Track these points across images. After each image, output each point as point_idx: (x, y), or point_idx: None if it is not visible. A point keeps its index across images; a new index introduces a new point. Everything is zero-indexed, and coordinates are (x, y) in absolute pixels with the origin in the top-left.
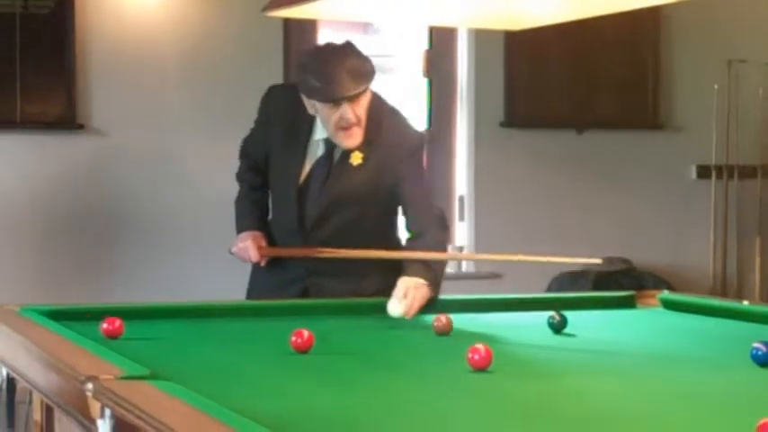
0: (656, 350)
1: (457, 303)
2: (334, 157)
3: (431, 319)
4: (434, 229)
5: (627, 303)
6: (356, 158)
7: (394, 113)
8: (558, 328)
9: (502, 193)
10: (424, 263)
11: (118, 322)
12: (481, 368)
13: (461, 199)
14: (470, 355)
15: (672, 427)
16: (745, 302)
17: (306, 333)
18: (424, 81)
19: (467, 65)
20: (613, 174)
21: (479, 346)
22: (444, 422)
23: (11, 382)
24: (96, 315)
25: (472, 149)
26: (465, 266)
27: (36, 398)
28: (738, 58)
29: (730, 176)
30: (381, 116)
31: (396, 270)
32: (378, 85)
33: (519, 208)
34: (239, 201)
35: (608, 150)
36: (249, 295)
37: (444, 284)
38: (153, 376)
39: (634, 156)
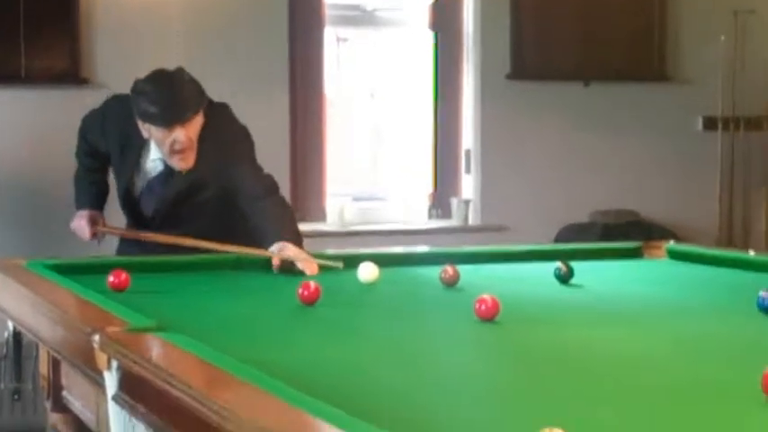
0: (663, 300)
1: (464, 255)
2: (172, 172)
3: (438, 270)
4: (272, 195)
5: (634, 254)
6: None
7: (216, 112)
8: (564, 278)
9: (508, 145)
10: (289, 230)
11: (124, 275)
12: (488, 318)
13: (468, 152)
14: (477, 306)
15: (678, 374)
16: (751, 252)
17: (313, 285)
18: (431, 34)
19: (473, 17)
20: (620, 126)
21: (486, 296)
22: (452, 371)
23: (17, 335)
24: (103, 269)
25: (479, 102)
26: (472, 219)
27: (43, 351)
28: (745, 8)
29: (736, 128)
30: (207, 121)
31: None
32: (384, 39)
33: (525, 160)
34: (78, 179)
35: (614, 102)
36: None
37: (451, 237)
38: (160, 328)
39: (640, 107)
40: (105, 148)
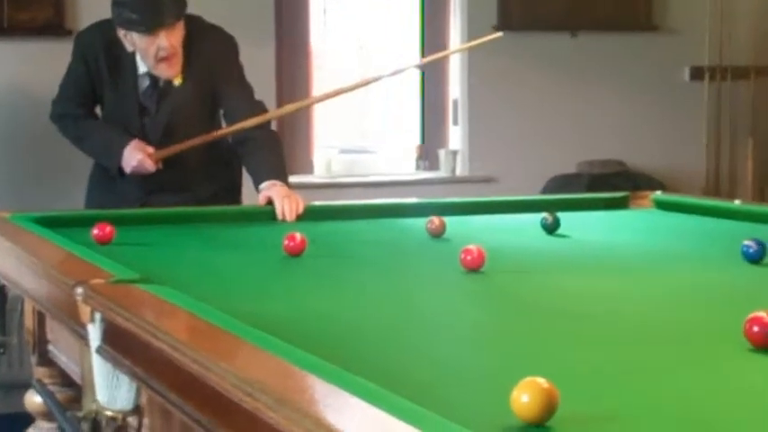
0: (649, 249)
1: (450, 206)
2: (159, 86)
3: (424, 221)
4: (263, 130)
5: (620, 204)
6: (178, 80)
7: (200, 24)
8: (551, 228)
9: (495, 96)
10: (276, 170)
11: (108, 228)
12: (474, 268)
13: (455, 102)
14: (463, 256)
15: (663, 321)
16: (737, 202)
17: (298, 236)
18: None
19: None
20: (607, 76)
21: (472, 246)
22: (437, 320)
23: (2, 289)
24: (87, 221)
25: (465, 53)
26: (459, 170)
27: (27, 305)
28: None
29: (723, 78)
30: (191, 32)
31: (226, 177)
32: None
33: (512, 111)
34: (92, 131)
35: (602, 52)
36: None
37: (438, 188)
38: (144, 280)
39: (628, 58)
40: (96, 87)
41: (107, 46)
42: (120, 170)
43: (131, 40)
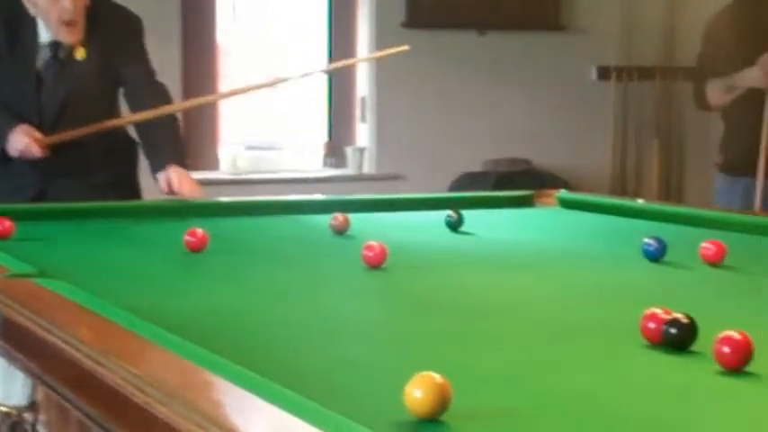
0: (552, 247)
1: (355, 203)
2: (60, 57)
3: (327, 218)
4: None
5: (525, 202)
6: (80, 54)
7: (107, 1)
8: (455, 226)
9: (403, 94)
10: (175, 152)
11: (8, 222)
12: (376, 265)
13: (363, 100)
14: (365, 252)
15: (563, 318)
16: (640, 201)
17: (200, 232)
18: None
19: None
20: (515, 75)
21: (374, 242)
22: (337, 316)
23: None
24: None
25: (373, 50)
26: (367, 168)
27: None
28: None
29: (630, 78)
30: (97, 7)
31: (124, 162)
32: None
33: (420, 109)
34: None
35: (510, 51)
36: None
37: (345, 185)
38: (42, 275)
39: (536, 57)
40: None
41: (6, 15)
42: (8, 154)
43: (34, 1)
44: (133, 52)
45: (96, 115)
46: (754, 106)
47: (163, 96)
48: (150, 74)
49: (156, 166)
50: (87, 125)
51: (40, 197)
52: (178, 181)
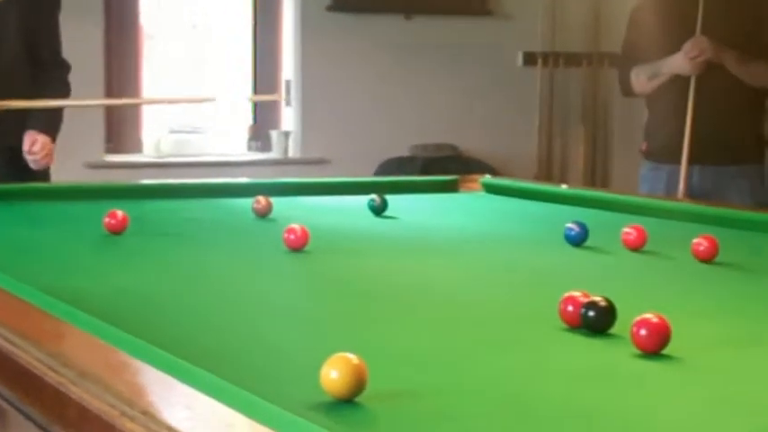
0: (474, 231)
1: (278, 186)
2: None
3: (250, 201)
4: (61, 78)
5: (449, 188)
6: None
7: None
8: (378, 210)
9: (329, 78)
10: (48, 121)
11: None
12: (297, 248)
13: (288, 83)
14: (286, 236)
15: (483, 302)
16: (564, 186)
17: (120, 213)
18: None
19: None
20: (441, 60)
21: (295, 225)
22: (256, 298)
23: None
24: None
25: (299, 33)
26: (292, 152)
27: None
28: None
29: (556, 64)
30: None
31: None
32: None
33: (346, 93)
34: None
35: (436, 36)
36: None
37: (270, 169)
38: None
39: (461, 42)
40: None
41: None
42: None
43: None
44: (50, 25)
45: (10, 82)
46: (678, 93)
47: (65, 76)
48: (59, 51)
49: (29, 126)
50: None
51: None
52: (35, 146)
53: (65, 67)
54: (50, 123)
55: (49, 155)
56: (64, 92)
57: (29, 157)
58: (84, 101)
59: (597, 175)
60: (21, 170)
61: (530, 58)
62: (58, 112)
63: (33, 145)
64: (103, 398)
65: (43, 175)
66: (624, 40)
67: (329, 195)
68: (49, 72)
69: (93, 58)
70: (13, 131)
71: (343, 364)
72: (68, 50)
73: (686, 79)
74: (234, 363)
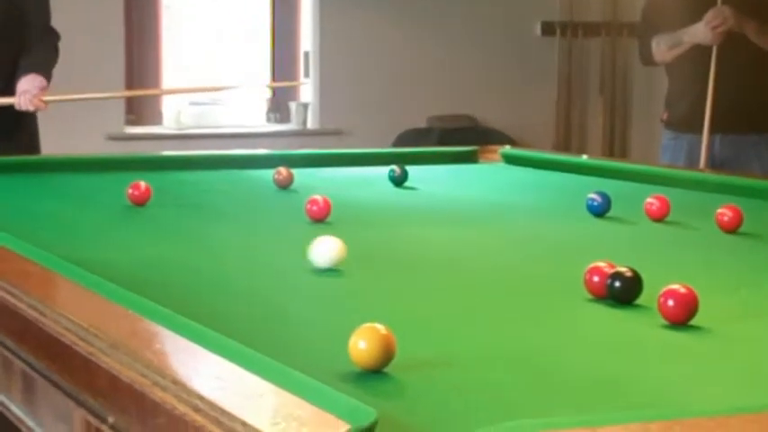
0: (496, 202)
1: (299, 158)
2: None
3: (271, 172)
4: (47, 43)
5: (469, 158)
6: None
7: None
8: (398, 180)
9: (347, 49)
10: (36, 63)
11: None
12: (319, 219)
13: (306, 55)
14: (308, 207)
15: (507, 272)
16: (585, 156)
17: (143, 185)
18: None
19: None
20: (459, 30)
21: (317, 197)
22: (283, 269)
23: None
24: None
25: (317, 5)
26: (310, 123)
27: None
28: None
29: (574, 34)
30: None
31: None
32: None
33: (364, 65)
34: None
35: (454, 6)
36: None
37: (289, 140)
38: None
39: (480, 12)
40: None
41: None
42: None
43: None
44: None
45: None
46: (699, 63)
47: (55, 41)
48: (48, 19)
49: (20, 72)
50: None
51: None
52: (26, 87)
53: (54, 34)
54: (43, 66)
55: (35, 96)
56: (51, 56)
57: (22, 98)
58: (106, 93)
59: (615, 144)
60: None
61: (548, 28)
62: (49, 56)
63: (27, 83)
64: (134, 367)
65: (29, 128)
66: (644, 10)
67: (349, 166)
68: (37, 36)
69: (114, 26)
70: None
71: (371, 334)
72: (89, 32)
73: (707, 49)
74: (261, 333)
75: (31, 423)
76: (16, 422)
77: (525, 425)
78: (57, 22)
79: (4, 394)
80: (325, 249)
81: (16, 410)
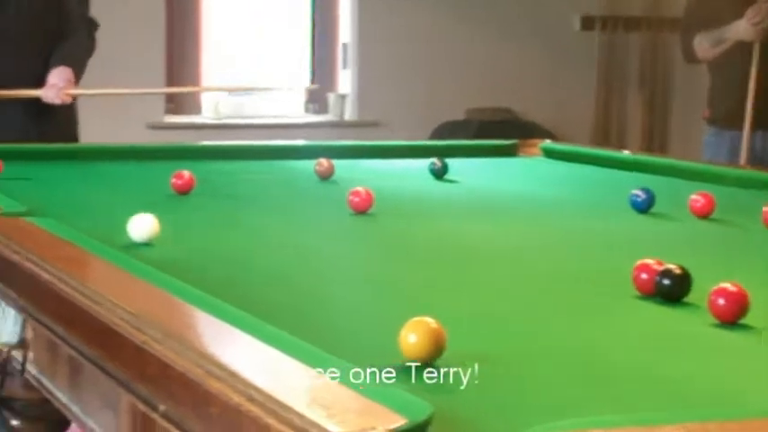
0: (537, 197)
1: (340, 149)
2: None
3: (313, 163)
4: (83, 33)
5: (509, 152)
6: None
7: None
8: (439, 173)
9: (386, 41)
10: (67, 56)
11: None
12: (362, 210)
13: (345, 46)
14: (351, 198)
15: (549, 267)
16: (626, 152)
17: (186, 174)
18: None
19: None
20: (498, 23)
21: (360, 188)
22: (326, 261)
23: None
24: None
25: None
26: (348, 114)
27: None
28: None
29: (614, 29)
30: None
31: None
32: None
33: (402, 57)
34: None
35: (494, 0)
36: None
37: (327, 131)
38: (30, 213)
39: (520, 6)
40: None
41: None
42: None
43: None
44: None
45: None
46: (741, 60)
47: (92, 31)
48: (87, 9)
49: (51, 63)
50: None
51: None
52: (53, 80)
53: (92, 23)
54: (73, 58)
55: (60, 87)
56: (84, 47)
57: (49, 92)
58: (146, 89)
59: (655, 140)
60: (41, 118)
61: (588, 23)
62: (82, 48)
63: (55, 76)
64: (187, 356)
65: (65, 117)
66: (686, 7)
67: (388, 158)
68: (75, 26)
69: (154, 17)
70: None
71: (421, 327)
72: (131, 24)
73: (749, 45)
74: (310, 324)
75: (75, 408)
76: (61, 408)
77: (581, 423)
78: (98, 13)
79: (49, 380)
80: (141, 224)
81: (61, 396)
